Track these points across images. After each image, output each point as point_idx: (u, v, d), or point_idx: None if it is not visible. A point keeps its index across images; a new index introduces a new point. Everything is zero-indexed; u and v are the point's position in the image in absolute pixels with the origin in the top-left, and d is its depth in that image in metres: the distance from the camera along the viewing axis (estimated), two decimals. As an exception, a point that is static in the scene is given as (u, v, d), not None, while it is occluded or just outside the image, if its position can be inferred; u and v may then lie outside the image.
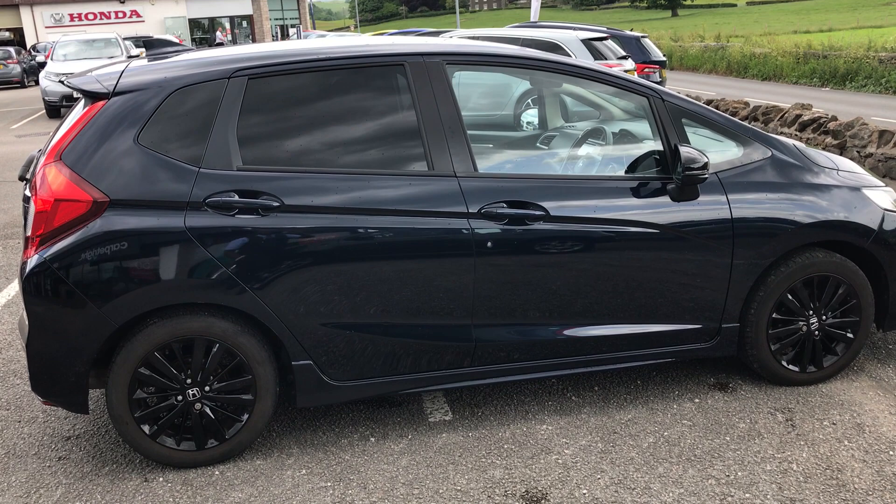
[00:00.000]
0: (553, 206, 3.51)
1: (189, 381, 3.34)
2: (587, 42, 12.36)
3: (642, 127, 3.87)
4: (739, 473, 3.27)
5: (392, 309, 3.43)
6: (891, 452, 3.40)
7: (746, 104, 15.49)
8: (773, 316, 3.89)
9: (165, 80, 3.32)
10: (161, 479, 3.37)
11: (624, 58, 12.96)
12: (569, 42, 12.37)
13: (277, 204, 3.27)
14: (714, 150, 3.84)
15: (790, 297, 3.88)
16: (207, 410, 3.38)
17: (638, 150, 3.87)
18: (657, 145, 3.72)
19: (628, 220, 3.60)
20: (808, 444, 3.49)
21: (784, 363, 3.97)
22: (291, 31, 48.11)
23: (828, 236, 3.85)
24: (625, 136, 4.08)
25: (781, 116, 13.81)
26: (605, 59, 12.47)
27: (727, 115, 3.83)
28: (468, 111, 5.17)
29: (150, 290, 3.20)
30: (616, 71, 3.77)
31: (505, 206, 3.46)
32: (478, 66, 3.89)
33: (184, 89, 3.30)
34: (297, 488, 3.27)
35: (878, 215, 3.91)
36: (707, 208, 3.67)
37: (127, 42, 21.67)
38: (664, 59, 15.92)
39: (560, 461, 3.40)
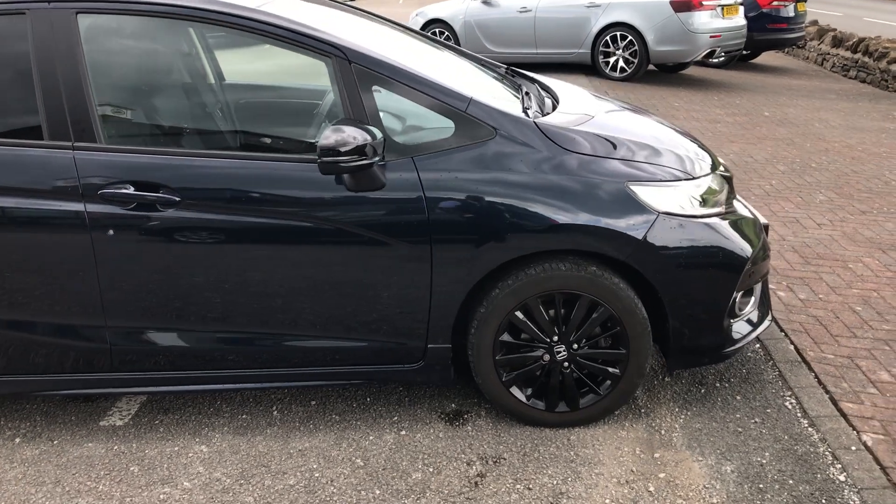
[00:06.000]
0: (191, 190, 2.90)
1: None
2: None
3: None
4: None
5: (4, 301, 3.01)
6: (550, 542, 2.57)
7: (904, 43, 13.17)
8: (503, 339, 3.07)
9: None
10: None
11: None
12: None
13: None
14: (425, 128, 3.03)
15: (522, 317, 3.04)
16: None
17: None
18: (344, 120, 2.96)
19: (290, 211, 2.91)
20: (464, 513, 2.73)
21: (521, 398, 3.15)
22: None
23: (566, 244, 2.95)
24: (327, 107, 3.31)
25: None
26: (697, -10, 10.94)
27: (440, 84, 2.96)
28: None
29: None
30: (293, 23, 2.97)
31: (132, 187, 2.89)
32: (119, 14, 3.20)
33: None
34: None
35: (646, 219, 2.94)
36: (393, 202, 2.90)
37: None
38: (803, -11, 13.77)
39: (161, 498, 2.87)
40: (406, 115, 3.06)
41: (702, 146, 3.57)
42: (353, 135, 2.74)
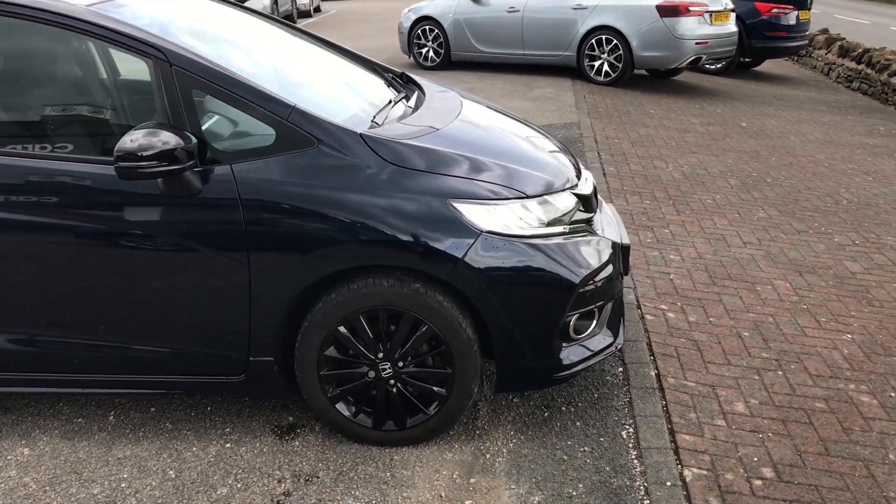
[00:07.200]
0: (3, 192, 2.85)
1: None
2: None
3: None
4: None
5: None
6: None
7: (905, 56, 12.84)
8: (328, 354, 2.99)
9: None
10: None
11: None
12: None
13: None
14: (247, 136, 2.95)
15: (346, 332, 2.95)
16: None
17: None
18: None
19: (100, 215, 2.85)
20: (252, 533, 2.65)
21: (347, 414, 3.08)
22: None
23: (383, 259, 2.86)
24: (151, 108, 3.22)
25: (927, 75, 11.36)
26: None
27: (262, 90, 2.86)
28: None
29: None
30: (116, 22, 2.89)
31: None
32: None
33: None
34: None
35: (468, 238, 2.83)
36: (208, 209, 2.83)
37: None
38: (807, -3, 13.45)
39: (-38, 500, 2.83)
40: (229, 120, 2.98)
41: (574, 163, 3.46)
42: (164, 139, 2.67)
